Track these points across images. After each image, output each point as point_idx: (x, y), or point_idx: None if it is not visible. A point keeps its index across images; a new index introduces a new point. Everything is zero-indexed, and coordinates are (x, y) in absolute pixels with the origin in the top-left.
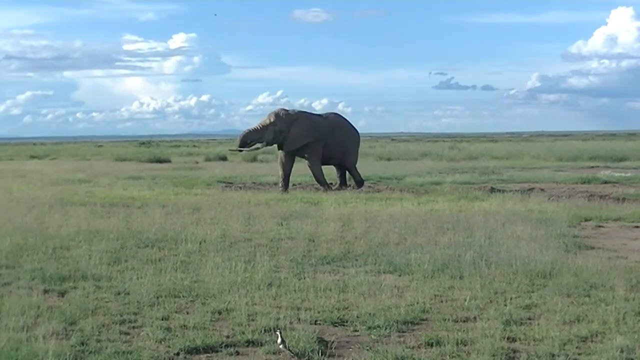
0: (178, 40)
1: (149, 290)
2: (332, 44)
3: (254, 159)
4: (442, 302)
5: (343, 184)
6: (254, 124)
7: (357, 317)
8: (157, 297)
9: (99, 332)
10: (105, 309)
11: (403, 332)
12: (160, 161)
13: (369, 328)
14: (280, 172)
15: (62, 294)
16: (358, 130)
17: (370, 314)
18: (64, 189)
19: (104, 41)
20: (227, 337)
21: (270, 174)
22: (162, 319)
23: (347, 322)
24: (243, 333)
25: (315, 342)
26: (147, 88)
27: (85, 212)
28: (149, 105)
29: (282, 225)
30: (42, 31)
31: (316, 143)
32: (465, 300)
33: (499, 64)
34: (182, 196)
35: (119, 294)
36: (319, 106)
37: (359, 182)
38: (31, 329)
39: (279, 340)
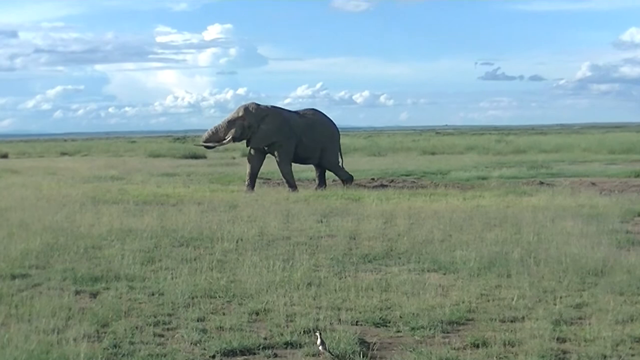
0: (213, 31)
1: (183, 290)
2: (373, 34)
3: None
4: (488, 301)
5: (322, 183)
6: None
7: (400, 317)
8: (193, 298)
9: (132, 334)
10: (138, 310)
11: (448, 332)
12: (195, 157)
13: (413, 329)
14: (248, 170)
15: (94, 295)
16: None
17: (413, 314)
18: (95, 186)
19: (136, 33)
20: (265, 338)
21: (309, 169)
22: (198, 320)
23: (389, 322)
24: (281, 334)
25: (356, 343)
26: (182, 81)
27: (117, 210)
28: (183, 99)
29: (321, 222)
30: (73, 23)
31: (288, 141)
32: (512, 299)
33: (548, 53)
34: (218, 193)
35: (152, 294)
36: (360, 99)
37: (347, 180)
38: (62, 331)
39: (319, 341)
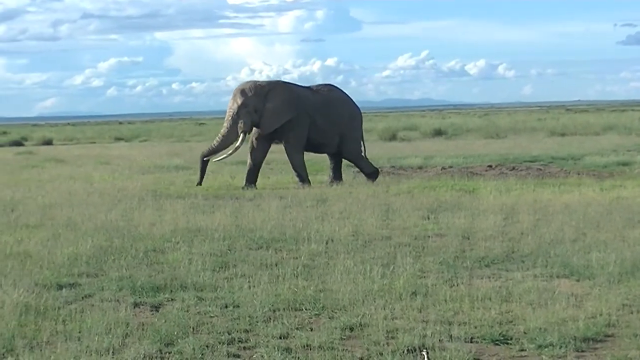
0: None
1: (263, 302)
2: None
3: (393, 137)
4: (632, 313)
5: (338, 177)
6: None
7: (524, 332)
8: (274, 311)
9: (202, 354)
10: (209, 325)
11: (582, 351)
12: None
13: (539, 347)
14: (249, 161)
15: (156, 307)
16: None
17: (540, 328)
18: (157, 178)
19: None
20: (361, 359)
21: (413, 154)
22: (280, 338)
23: (511, 339)
24: (381, 354)
25: None
26: (259, 51)
27: (183, 206)
28: (261, 73)
29: (428, 219)
30: None
31: (298, 123)
32: None
33: None
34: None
35: (226, 307)
36: (474, 70)
37: (371, 174)
38: (118, 351)
39: None
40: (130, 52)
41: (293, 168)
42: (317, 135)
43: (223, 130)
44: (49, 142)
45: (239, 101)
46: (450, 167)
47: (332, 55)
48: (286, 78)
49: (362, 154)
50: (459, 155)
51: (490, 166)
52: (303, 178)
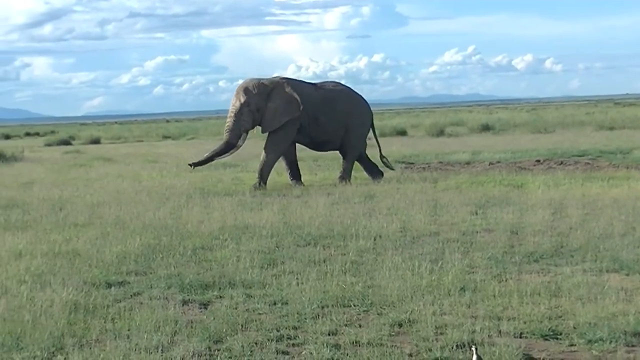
0: None
1: (311, 298)
2: None
3: (441, 133)
4: None
5: (376, 174)
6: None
7: (574, 327)
8: (322, 307)
9: (251, 351)
10: (258, 322)
11: (633, 345)
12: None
13: (589, 341)
14: (283, 162)
15: (204, 305)
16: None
17: (590, 323)
18: (204, 175)
19: None
20: (410, 355)
21: (461, 150)
22: (329, 334)
23: (560, 334)
24: (429, 350)
25: (520, 359)
26: (305, 48)
27: (231, 203)
28: (307, 69)
29: (476, 214)
30: None
31: (291, 122)
32: None
33: None
34: (353, 181)
35: (274, 304)
36: (521, 64)
37: (343, 178)
38: (167, 348)
39: (475, 358)
40: (177, 50)
41: (261, 164)
42: (319, 132)
43: (227, 126)
44: (96, 141)
45: (242, 99)
46: (498, 162)
47: (379, 51)
48: (332, 75)
49: (380, 152)
50: (506, 150)
51: (538, 161)
52: (263, 178)
